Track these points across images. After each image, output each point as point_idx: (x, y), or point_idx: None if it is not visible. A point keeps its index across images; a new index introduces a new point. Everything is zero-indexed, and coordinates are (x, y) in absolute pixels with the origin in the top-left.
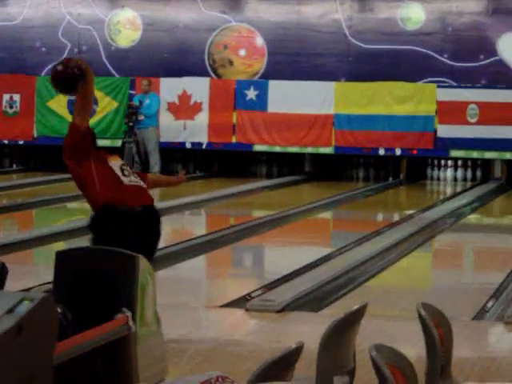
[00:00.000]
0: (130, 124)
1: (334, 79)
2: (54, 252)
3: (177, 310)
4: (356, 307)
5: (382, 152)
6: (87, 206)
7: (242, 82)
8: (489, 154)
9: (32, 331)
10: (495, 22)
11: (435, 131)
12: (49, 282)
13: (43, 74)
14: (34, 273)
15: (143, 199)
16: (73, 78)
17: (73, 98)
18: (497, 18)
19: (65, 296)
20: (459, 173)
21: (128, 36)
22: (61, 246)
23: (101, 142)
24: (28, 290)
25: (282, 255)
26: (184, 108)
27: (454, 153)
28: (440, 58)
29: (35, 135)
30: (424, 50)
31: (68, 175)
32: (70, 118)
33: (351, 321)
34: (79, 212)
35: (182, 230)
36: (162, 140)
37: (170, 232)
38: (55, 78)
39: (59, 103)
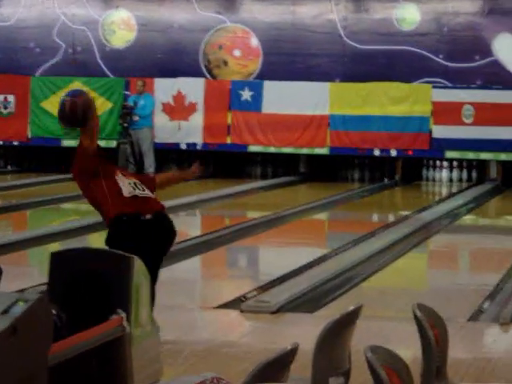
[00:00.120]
0: (125, 125)
1: (328, 80)
2: (48, 253)
3: (172, 311)
4: (351, 308)
5: (377, 153)
6: (82, 206)
7: (236, 82)
8: (484, 155)
9: (27, 332)
10: (491, 22)
11: (430, 132)
12: (43, 283)
13: (37, 74)
14: (29, 274)
15: (154, 207)
16: (82, 120)
17: None
18: (492, 18)
19: (59, 297)
20: (455, 173)
21: (122, 36)
22: (55, 246)
23: None
24: (23, 290)
25: (277, 256)
26: (179, 109)
27: (450, 153)
28: (435, 58)
29: (29, 136)
30: (419, 51)
31: (62, 176)
32: None
33: (346, 322)
34: (74, 213)
35: (177, 230)
36: (156, 141)
37: None
38: (64, 121)
39: (53, 104)
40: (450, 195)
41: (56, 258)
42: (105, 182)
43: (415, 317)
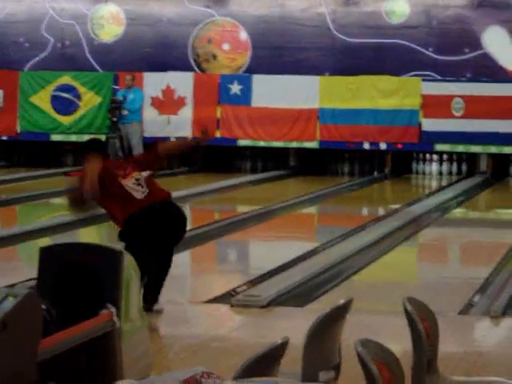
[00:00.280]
0: (114, 119)
1: (318, 73)
2: (38, 248)
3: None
4: (341, 302)
5: (366, 146)
6: None
7: (225, 76)
8: (474, 148)
9: (16, 327)
10: (480, 15)
11: (420, 125)
12: (33, 278)
13: (26, 68)
14: (19, 269)
15: (160, 196)
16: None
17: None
18: (482, 11)
19: (49, 292)
20: (444, 167)
21: (111, 31)
22: (45, 241)
23: (84, 138)
24: (12, 286)
25: (267, 250)
26: (168, 103)
27: (439, 147)
28: (425, 51)
29: (18, 131)
30: (409, 44)
31: (51, 171)
32: (52, 113)
33: (337, 316)
34: (63, 208)
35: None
36: (145, 135)
37: None
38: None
39: (42, 99)
40: (440, 188)
41: (45, 253)
42: (112, 194)
43: (405, 310)
